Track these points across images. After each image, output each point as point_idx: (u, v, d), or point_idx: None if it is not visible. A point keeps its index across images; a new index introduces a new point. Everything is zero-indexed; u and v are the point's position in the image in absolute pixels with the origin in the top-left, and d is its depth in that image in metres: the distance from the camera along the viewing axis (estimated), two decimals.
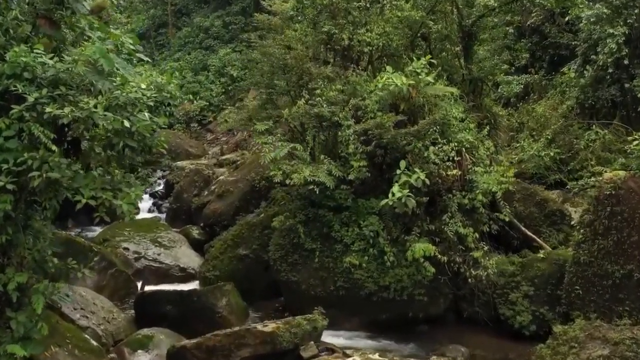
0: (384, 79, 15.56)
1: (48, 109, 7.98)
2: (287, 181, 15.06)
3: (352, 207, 16.18)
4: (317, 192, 15.21)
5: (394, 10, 17.61)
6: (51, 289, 9.12)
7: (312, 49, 17.99)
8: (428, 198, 15.50)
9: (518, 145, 23.72)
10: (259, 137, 16.27)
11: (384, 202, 14.75)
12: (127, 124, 8.09)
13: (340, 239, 16.14)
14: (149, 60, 12.12)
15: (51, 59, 8.48)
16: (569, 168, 23.09)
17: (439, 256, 15.07)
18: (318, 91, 16.43)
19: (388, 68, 16.19)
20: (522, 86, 26.53)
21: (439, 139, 15.73)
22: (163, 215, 25.76)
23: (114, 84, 8.50)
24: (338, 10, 17.32)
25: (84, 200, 8.24)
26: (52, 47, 10.07)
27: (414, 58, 16.41)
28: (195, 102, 44.35)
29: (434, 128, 15.54)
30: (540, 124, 24.77)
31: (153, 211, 26.66)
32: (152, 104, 8.62)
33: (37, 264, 9.13)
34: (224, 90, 46.41)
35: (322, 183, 15.03)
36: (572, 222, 18.61)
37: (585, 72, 24.19)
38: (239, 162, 25.12)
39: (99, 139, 8.61)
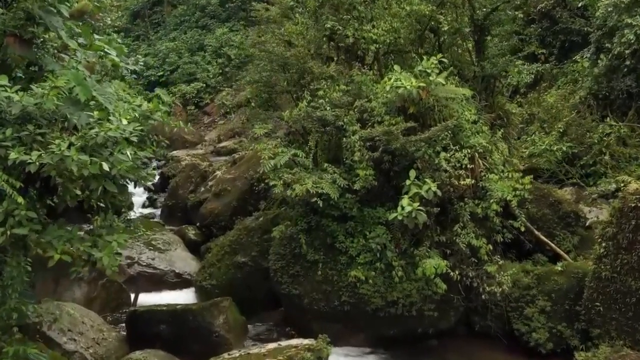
0: (392, 80, 14.47)
1: (12, 155, 6.90)
2: (289, 192, 14.00)
3: (358, 217, 15.15)
4: (321, 205, 14.19)
5: (402, 4, 16.42)
6: (22, 353, 8.12)
7: (314, 44, 16.80)
8: (439, 209, 14.50)
9: (529, 138, 22.71)
10: (258, 142, 15.16)
11: (392, 216, 13.76)
12: (106, 167, 7.04)
13: (345, 250, 15.15)
14: (136, 69, 11.00)
15: (17, 92, 7.33)
16: (581, 163, 22.11)
17: (452, 273, 14.13)
18: (321, 92, 15.32)
19: (396, 67, 15.10)
20: (532, 76, 25.37)
21: (451, 145, 14.71)
22: (158, 211, 24.75)
23: (92, 119, 7.42)
24: (341, 3, 16.12)
25: (56, 257, 7.23)
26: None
27: (424, 57, 15.29)
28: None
29: (446, 133, 14.50)
30: (552, 116, 23.72)
31: (148, 206, 25.64)
32: (135, 139, 7.56)
33: (6, 323, 8.10)
34: (221, 71, 45.26)
35: (326, 194, 14.00)
36: (587, 224, 17.84)
37: (599, 61, 23.10)
38: (236, 157, 24.00)
39: (75, 182, 7.53)
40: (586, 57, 24.59)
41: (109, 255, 7.58)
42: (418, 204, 13.49)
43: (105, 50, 9.65)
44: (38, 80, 9.66)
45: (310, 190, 13.73)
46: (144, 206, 25.57)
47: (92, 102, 7.54)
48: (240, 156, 23.57)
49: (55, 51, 9.42)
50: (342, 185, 14.38)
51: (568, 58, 26.92)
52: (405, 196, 13.71)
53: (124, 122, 7.43)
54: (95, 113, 7.50)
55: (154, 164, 30.59)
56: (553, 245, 16.59)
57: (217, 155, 32.28)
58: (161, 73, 46.15)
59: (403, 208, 13.49)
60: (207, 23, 49.90)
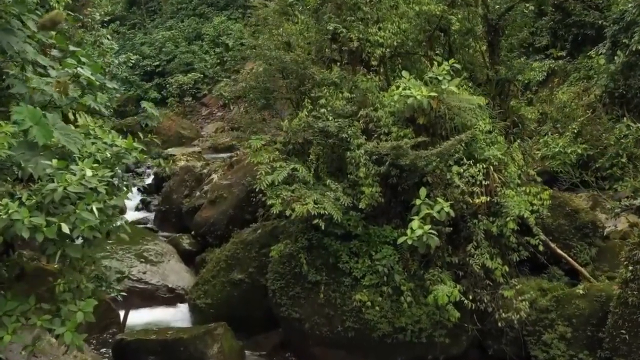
0: (400, 89, 13.27)
1: None
2: (288, 212, 12.85)
3: (363, 235, 14.01)
4: (323, 226, 13.04)
5: (411, 4, 15.13)
6: None
7: (315, 46, 15.55)
8: (451, 229, 13.37)
9: (541, 140, 21.50)
10: (254, 156, 13.95)
11: (402, 239, 12.58)
12: (65, 229, 5.88)
13: (348, 271, 14.03)
14: (115, 87, 9.79)
15: None
16: (597, 165, 20.92)
17: (466, 301, 13.01)
18: (322, 100, 14.11)
19: (404, 73, 13.87)
20: (545, 74, 24.10)
21: (464, 159, 13.55)
22: (151, 215, 23.58)
23: (50, 168, 6.20)
24: (344, 2, 14.84)
25: (7, 338, 6.08)
26: None
27: (434, 60, 14.07)
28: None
29: (459, 146, 13.32)
30: (565, 115, 22.48)
31: (141, 209, 24.48)
32: (104, 190, 6.34)
33: None
34: (218, 61, 44.09)
35: (329, 215, 12.85)
36: (605, 234, 16.80)
37: (615, 57, 21.81)
38: (234, 159, 22.77)
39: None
40: (602, 53, 23.26)
41: (73, 331, 6.44)
42: (429, 226, 12.32)
43: (78, 70, 8.44)
44: (3, 101, 8.54)
45: (312, 212, 12.57)
46: (137, 209, 24.38)
47: (53, 138, 6.29)
48: (237, 158, 22.36)
49: (28, 65, 8.22)
50: (345, 204, 13.22)
51: (581, 52, 25.62)
52: (416, 217, 12.55)
53: (89, 172, 6.23)
54: (54, 162, 6.30)
55: (148, 162, 29.42)
56: (570, 259, 15.53)
57: (215, 151, 31.16)
58: (157, 63, 44.97)
59: (413, 231, 12.32)
60: (204, 11, 48.73)
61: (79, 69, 8.40)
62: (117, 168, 6.97)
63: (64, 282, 6.78)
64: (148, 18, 51.29)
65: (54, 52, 9.81)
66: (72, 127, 6.87)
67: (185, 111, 42.05)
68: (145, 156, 7.72)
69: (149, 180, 26.81)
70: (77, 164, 6.23)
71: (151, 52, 45.58)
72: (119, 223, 7.25)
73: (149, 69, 44.55)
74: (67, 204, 6.07)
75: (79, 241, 6.35)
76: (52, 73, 8.75)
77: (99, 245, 6.92)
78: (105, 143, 7.10)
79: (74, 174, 6.13)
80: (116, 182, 6.99)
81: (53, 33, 10.00)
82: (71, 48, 9.87)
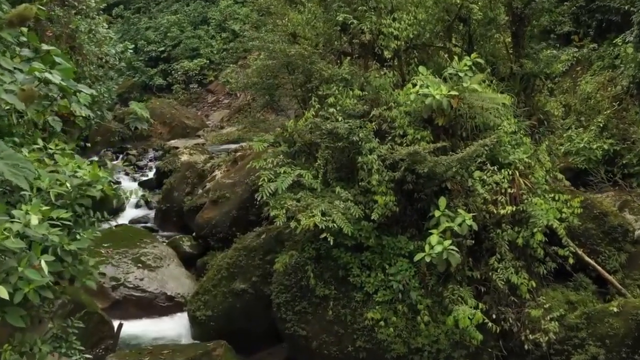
0: (417, 87, 12.00)
1: None
2: (292, 225, 11.66)
3: (376, 247, 12.79)
4: (332, 242, 11.84)
5: None
6: None
7: (323, 37, 14.25)
8: (473, 241, 12.15)
9: (565, 134, 20.22)
10: (257, 160, 12.73)
11: (419, 256, 11.39)
12: (4, 293, 4.67)
13: (360, 285, 12.83)
14: (94, 92, 8.58)
15: None
16: (623, 161, 19.66)
17: (489, 324, 11.80)
18: (331, 99, 12.85)
19: (421, 69, 12.61)
20: (569, 64, 22.75)
21: (488, 165, 12.30)
22: (152, 213, 22.40)
23: None
24: None
25: None
26: None
27: (454, 53, 12.78)
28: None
29: (482, 150, 12.06)
30: (589, 107, 21.19)
31: (141, 206, 23.29)
32: (57, 238, 5.12)
33: None
34: (225, 46, 42.64)
35: (339, 228, 11.63)
36: (635, 237, 15.55)
37: None
38: (237, 154, 21.46)
39: None
40: (629, 41, 21.84)
41: None
42: (450, 241, 11.11)
43: (46, 75, 7.24)
44: None
45: (319, 225, 11.36)
46: (137, 206, 23.21)
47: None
48: (241, 154, 21.07)
49: None
50: (356, 215, 12.00)
51: (605, 39, 24.20)
52: (435, 231, 11.34)
53: (34, 220, 4.99)
54: None
55: (151, 154, 28.31)
56: (600, 268, 14.26)
57: (220, 143, 29.83)
58: (162, 48, 43.65)
59: (432, 247, 11.11)
60: None
61: (46, 74, 7.19)
62: (78, 204, 5.80)
63: (13, 345, 5.61)
64: (153, 2, 49.85)
65: (25, 52, 8.62)
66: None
67: (191, 98, 40.83)
68: (113, 191, 6.52)
69: (150, 175, 25.61)
70: (26, 204, 5.03)
71: (156, 37, 44.26)
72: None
73: (154, 54, 43.26)
74: (9, 256, 4.89)
75: None
76: (19, 77, 7.59)
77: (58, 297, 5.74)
78: (64, 173, 5.89)
79: (17, 221, 4.92)
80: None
81: (24, 30, 8.83)
82: (44, 47, 8.67)
